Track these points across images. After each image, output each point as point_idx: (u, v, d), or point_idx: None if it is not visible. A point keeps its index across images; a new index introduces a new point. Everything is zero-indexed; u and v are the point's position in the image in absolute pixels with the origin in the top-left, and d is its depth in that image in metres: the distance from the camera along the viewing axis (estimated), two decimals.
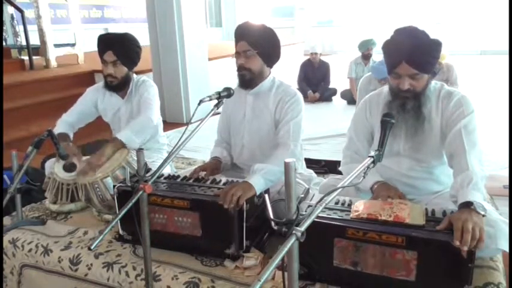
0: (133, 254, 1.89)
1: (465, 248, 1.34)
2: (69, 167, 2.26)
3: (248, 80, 2.03)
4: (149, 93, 2.47)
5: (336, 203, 1.70)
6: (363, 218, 1.55)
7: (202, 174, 2.03)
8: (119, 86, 2.46)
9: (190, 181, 1.97)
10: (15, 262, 2.06)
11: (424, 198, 1.90)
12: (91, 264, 1.87)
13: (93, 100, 2.58)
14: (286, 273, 1.13)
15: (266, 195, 1.53)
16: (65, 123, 2.53)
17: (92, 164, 2.18)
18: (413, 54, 1.66)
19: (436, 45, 1.71)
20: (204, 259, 1.82)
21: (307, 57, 6.98)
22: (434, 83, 1.82)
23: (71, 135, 2.52)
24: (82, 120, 2.62)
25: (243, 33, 2.00)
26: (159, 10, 5.26)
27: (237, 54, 2.03)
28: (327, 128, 4.85)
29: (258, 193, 1.80)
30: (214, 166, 2.13)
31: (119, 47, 2.38)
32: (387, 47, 1.76)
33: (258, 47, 1.98)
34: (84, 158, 2.32)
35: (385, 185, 1.81)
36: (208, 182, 1.95)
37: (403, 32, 1.72)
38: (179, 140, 1.52)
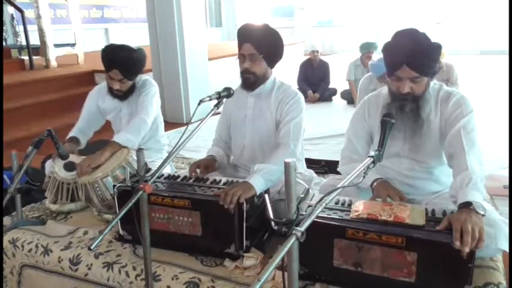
0: (133, 254, 1.89)
1: (466, 249, 1.33)
2: (69, 166, 2.26)
3: (252, 82, 2.02)
4: (147, 93, 2.46)
5: (336, 203, 1.69)
6: (362, 218, 1.55)
7: (198, 172, 2.03)
8: (125, 95, 2.48)
9: (191, 181, 1.97)
10: (15, 262, 2.06)
11: (424, 198, 1.90)
12: (91, 264, 1.87)
13: (95, 105, 2.58)
14: (286, 273, 1.13)
15: (266, 195, 1.54)
16: (77, 130, 2.56)
17: (84, 165, 2.16)
18: (414, 58, 1.66)
19: (436, 49, 1.71)
20: (204, 259, 1.82)
21: (307, 57, 6.97)
22: (433, 84, 1.82)
23: (84, 141, 2.56)
24: (91, 125, 2.63)
25: (248, 35, 1.97)
26: (159, 10, 5.26)
27: (242, 56, 2.00)
28: (327, 128, 4.84)
29: (258, 193, 1.80)
30: (208, 163, 2.13)
31: (125, 67, 2.34)
32: (387, 50, 1.75)
33: (263, 50, 1.96)
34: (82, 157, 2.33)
35: (385, 183, 1.80)
36: (209, 182, 1.95)
37: (403, 34, 1.71)
38: (179, 140, 1.52)
